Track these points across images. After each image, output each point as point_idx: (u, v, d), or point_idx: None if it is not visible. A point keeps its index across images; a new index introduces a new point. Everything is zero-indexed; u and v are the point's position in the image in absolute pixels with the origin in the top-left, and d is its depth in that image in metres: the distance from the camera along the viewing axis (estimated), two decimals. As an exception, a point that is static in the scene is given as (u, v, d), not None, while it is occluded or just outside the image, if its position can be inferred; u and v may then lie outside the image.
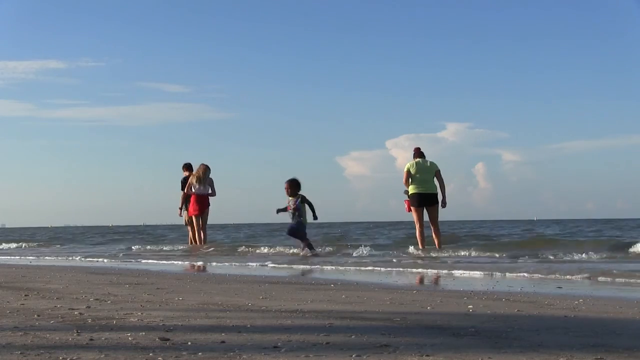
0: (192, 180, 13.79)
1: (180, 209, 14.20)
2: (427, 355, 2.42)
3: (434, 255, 10.64)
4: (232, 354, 2.43)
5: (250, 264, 9.31)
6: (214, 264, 9.64)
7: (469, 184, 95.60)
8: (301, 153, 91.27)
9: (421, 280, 6.67)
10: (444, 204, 11.70)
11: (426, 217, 11.73)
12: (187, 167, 14.35)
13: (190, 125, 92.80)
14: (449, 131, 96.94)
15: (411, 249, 11.53)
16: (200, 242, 13.90)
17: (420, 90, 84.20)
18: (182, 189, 14.14)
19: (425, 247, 11.63)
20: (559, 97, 79.97)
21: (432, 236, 11.73)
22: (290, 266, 8.81)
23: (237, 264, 9.46)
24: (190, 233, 14.28)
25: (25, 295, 4.47)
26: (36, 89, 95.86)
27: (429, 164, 11.78)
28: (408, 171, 11.70)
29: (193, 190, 13.76)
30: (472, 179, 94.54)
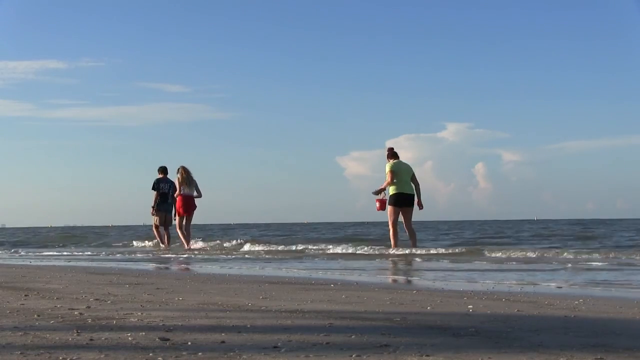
0: (181, 182, 14.05)
1: (153, 207, 14.49)
2: (427, 355, 2.42)
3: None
4: (232, 354, 2.43)
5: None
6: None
7: (469, 184, 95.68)
8: (301, 153, 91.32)
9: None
10: (420, 206, 11.87)
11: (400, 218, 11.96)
12: (163, 170, 14.66)
13: (190, 125, 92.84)
14: (449, 131, 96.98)
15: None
16: (188, 242, 14.29)
17: (420, 90, 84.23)
18: (154, 189, 14.50)
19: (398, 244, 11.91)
20: (559, 97, 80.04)
21: (406, 236, 11.96)
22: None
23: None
24: (156, 233, 14.80)
25: (25, 295, 4.47)
26: (36, 89, 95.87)
27: (407, 166, 11.95)
28: (393, 171, 11.78)
29: (181, 192, 14.05)
30: (472, 179, 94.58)
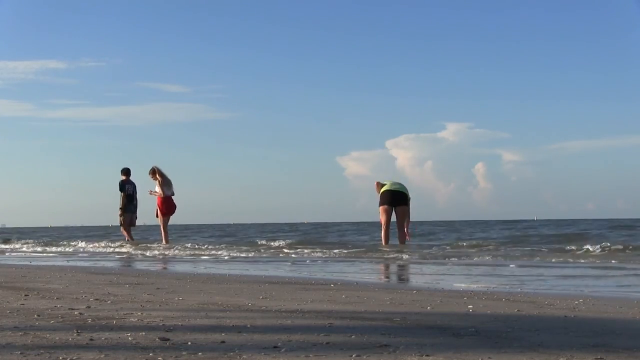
0: (162, 184, 14.24)
1: (121, 209, 14.73)
2: (427, 355, 2.42)
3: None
4: (232, 354, 2.43)
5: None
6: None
7: (469, 184, 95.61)
8: (301, 153, 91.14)
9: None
10: (407, 235, 11.97)
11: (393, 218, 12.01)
12: (126, 172, 14.92)
13: (190, 125, 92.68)
14: (449, 131, 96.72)
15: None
16: (167, 241, 14.40)
17: (420, 90, 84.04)
18: (121, 190, 14.74)
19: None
20: (559, 97, 79.87)
21: (397, 239, 12.00)
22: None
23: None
24: (127, 234, 15.09)
25: (25, 295, 4.47)
26: (36, 89, 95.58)
27: (400, 184, 12.23)
28: (378, 183, 12.13)
29: (167, 192, 14.28)
30: (472, 179, 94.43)
